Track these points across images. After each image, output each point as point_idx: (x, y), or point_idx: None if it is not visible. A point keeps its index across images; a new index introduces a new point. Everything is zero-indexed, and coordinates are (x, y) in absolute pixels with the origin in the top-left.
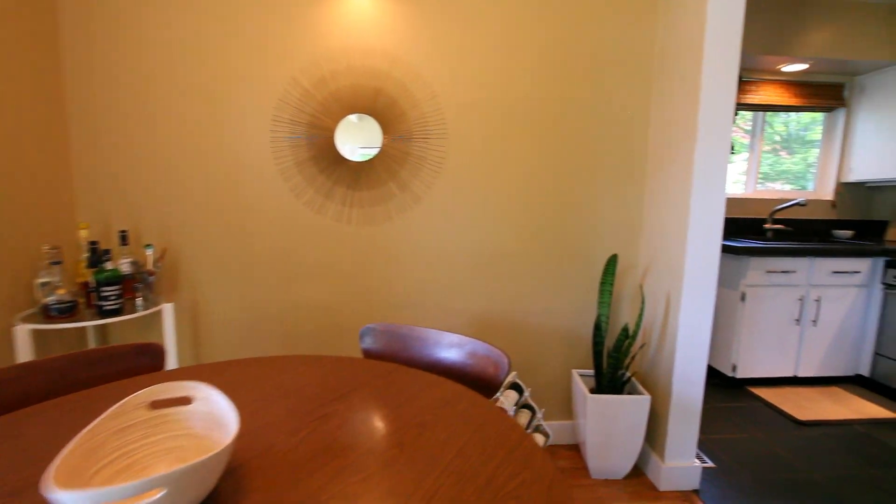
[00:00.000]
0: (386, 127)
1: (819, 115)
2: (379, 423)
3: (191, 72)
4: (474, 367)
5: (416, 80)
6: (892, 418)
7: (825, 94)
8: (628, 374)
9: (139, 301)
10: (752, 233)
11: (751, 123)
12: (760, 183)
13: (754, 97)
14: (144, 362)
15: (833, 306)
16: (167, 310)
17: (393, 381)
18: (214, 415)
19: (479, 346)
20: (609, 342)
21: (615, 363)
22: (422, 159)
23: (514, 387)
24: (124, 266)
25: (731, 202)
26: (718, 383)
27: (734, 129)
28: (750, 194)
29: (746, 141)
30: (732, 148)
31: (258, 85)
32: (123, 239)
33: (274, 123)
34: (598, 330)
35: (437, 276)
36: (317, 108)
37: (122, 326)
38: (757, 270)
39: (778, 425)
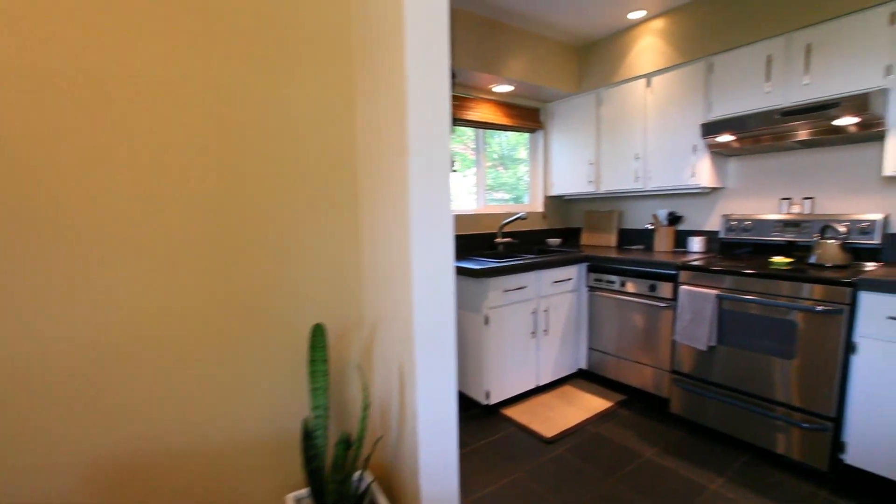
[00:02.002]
0: None
1: (525, 136)
2: None
3: None
4: None
5: None
6: (608, 408)
7: (528, 116)
8: (368, 478)
9: None
10: (485, 248)
11: (475, 141)
12: (488, 195)
13: (474, 114)
14: None
15: (557, 313)
16: None
17: None
18: None
19: None
20: (341, 432)
21: (339, 487)
22: None
23: None
24: None
25: (465, 218)
26: (476, 414)
27: (462, 146)
28: (481, 209)
29: (473, 157)
30: (454, 162)
31: None
32: None
33: None
34: (310, 439)
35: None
36: None
37: None
38: (496, 291)
39: (531, 452)
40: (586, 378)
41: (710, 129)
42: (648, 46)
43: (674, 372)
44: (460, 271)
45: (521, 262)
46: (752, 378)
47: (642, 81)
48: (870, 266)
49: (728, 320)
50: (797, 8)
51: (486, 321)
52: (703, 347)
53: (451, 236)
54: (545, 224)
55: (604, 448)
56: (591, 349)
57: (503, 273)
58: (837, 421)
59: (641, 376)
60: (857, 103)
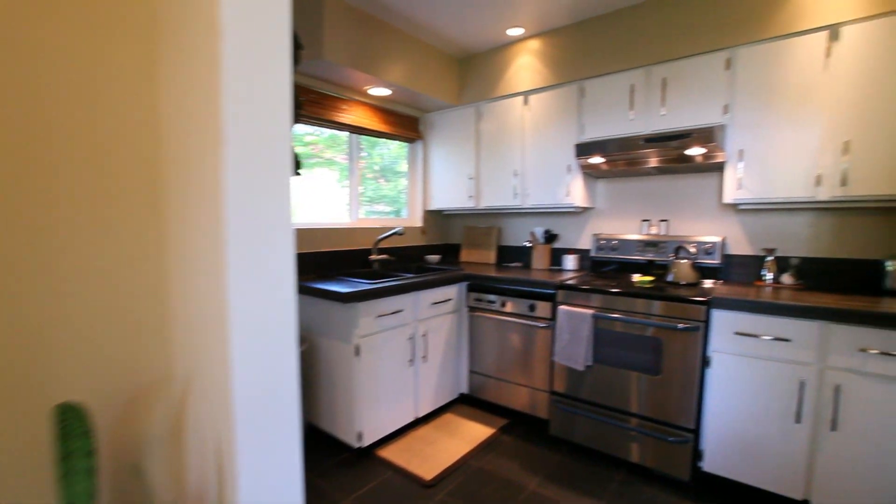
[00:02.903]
0: None
1: (406, 147)
2: None
3: None
4: None
5: None
6: (490, 436)
7: (406, 124)
8: None
9: None
10: (359, 266)
11: (348, 146)
12: (368, 208)
13: (347, 117)
14: None
15: (437, 337)
16: None
17: None
18: None
19: None
20: None
21: None
22: None
23: None
24: None
25: (336, 233)
26: (346, 459)
27: (343, 156)
28: (355, 223)
29: (346, 163)
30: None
31: None
32: None
33: None
34: None
35: None
36: None
37: None
38: (368, 317)
39: (410, 501)
40: (468, 403)
41: (582, 150)
42: (526, 65)
43: (553, 393)
44: (326, 295)
45: (398, 282)
46: (623, 395)
47: (520, 99)
48: (708, 283)
49: (603, 339)
50: (654, 44)
51: (357, 352)
52: (580, 368)
53: (291, 258)
54: (424, 240)
55: (487, 485)
56: (472, 372)
57: (377, 296)
58: (697, 432)
59: (522, 398)
60: (704, 136)
